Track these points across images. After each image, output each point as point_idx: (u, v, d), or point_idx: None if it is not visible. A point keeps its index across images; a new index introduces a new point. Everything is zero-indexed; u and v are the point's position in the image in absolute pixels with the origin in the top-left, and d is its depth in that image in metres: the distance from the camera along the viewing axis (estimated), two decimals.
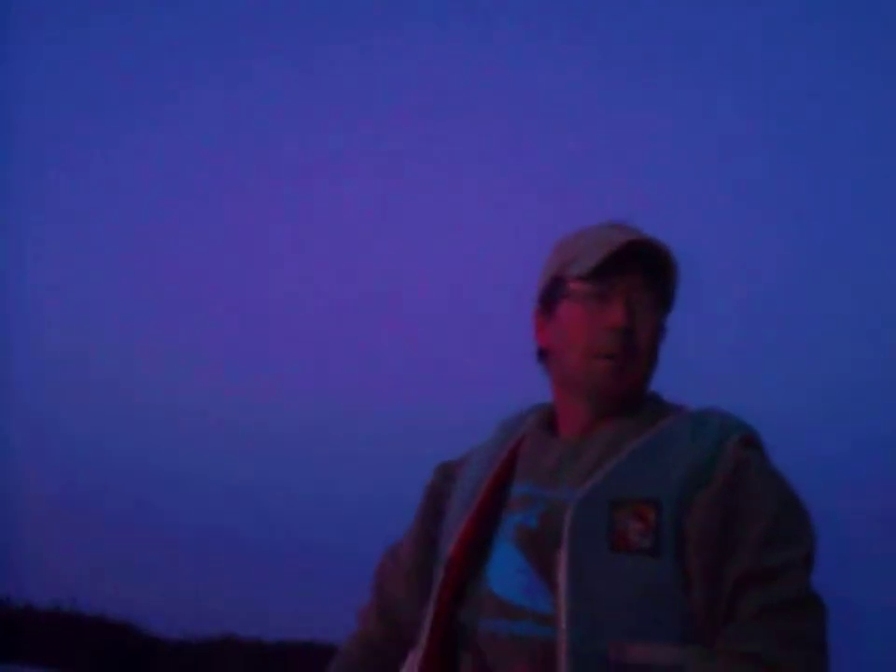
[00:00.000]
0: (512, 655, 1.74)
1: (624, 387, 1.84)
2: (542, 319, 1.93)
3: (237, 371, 13.56)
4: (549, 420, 1.95)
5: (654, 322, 1.85)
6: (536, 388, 1.99)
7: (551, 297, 1.90)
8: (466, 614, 1.83)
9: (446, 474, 2.03)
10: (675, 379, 1.99)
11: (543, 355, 1.94)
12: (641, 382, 1.87)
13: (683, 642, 1.68)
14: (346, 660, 2.05)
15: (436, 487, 2.04)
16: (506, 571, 1.81)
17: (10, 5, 10.49)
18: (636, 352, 1.84)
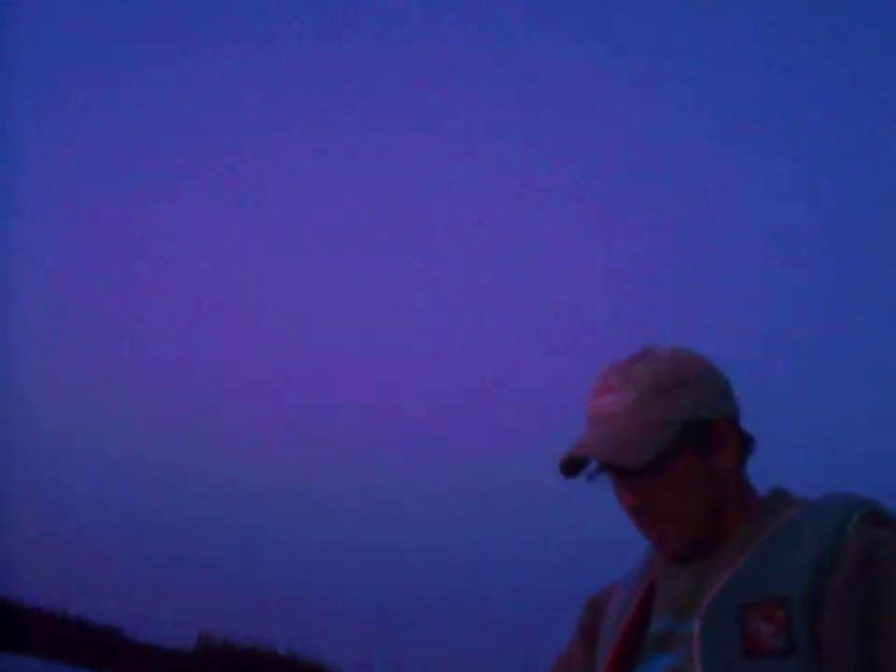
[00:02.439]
0: None
1: (675, 549, 1.83)
2: None
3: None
4: None
5: (660, 482, 1.80)
6: None
7: None
8: None
9: (594, 610, 2.04)
10: None
11: None
12: (697, 524, 1.82)
13: None
14: None
15: (584, 623, 2.05)
16: None
17: None
18: (661, 518, 1.82)
